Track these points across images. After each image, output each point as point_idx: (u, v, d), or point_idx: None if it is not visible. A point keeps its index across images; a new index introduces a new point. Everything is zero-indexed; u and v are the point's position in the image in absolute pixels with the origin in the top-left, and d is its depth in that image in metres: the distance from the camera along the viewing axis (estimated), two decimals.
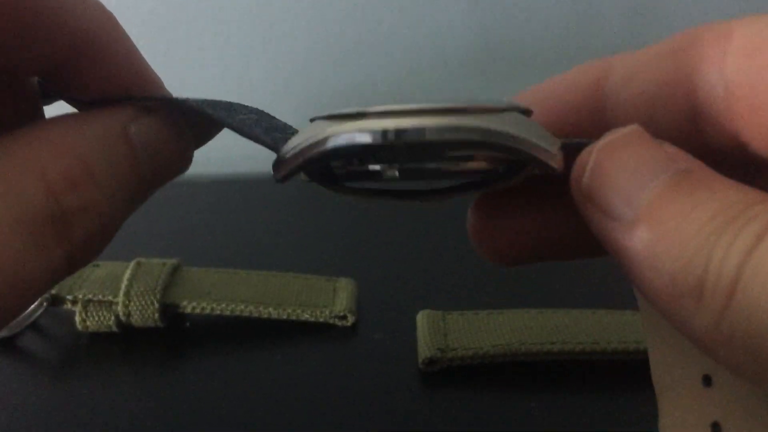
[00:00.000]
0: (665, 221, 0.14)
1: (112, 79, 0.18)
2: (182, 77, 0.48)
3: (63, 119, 0.17)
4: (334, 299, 0.34)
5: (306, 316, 0.33)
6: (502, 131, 0.15)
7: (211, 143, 0.21)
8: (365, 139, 0.15)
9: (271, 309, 0.33)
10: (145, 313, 0.32)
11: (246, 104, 0.20)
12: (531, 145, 0.16)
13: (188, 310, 0.32)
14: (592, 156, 0.16)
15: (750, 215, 0.13)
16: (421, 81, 0.48)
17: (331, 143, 0.16)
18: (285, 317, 0.33)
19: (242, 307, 0.33)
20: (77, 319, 0.32)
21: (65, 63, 0.18)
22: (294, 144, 0.17)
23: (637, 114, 0.18)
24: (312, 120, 0.17)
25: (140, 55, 0.19)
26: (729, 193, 0.14)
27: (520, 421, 0.28)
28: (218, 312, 0.33)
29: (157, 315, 0.32)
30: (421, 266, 0.37)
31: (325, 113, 0.17)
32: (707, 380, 0.16)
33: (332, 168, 0.17)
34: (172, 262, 0.34)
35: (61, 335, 0.33)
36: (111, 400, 0.29)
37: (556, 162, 0.16)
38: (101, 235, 0.17)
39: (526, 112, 0.17)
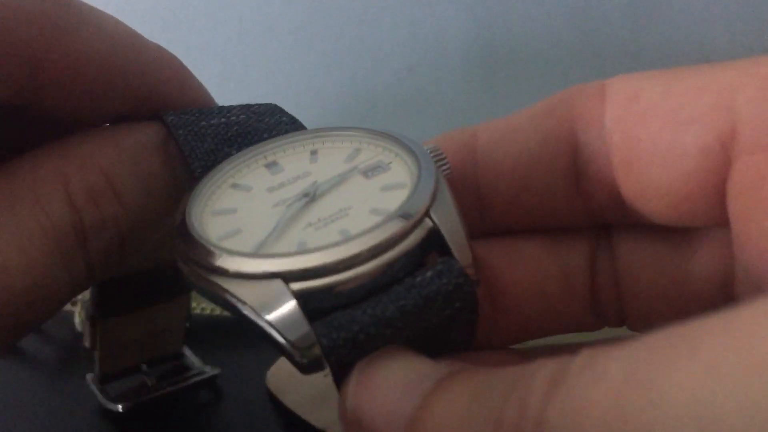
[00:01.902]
0: (438, 419, 0.13)
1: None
2: None
3: (95, 132, 0.17)
4: None
5: None
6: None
7: None
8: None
9: None
10: None
11: (252, 103, 0.20)
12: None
13: None
14: (352, 380, 0.14)
15: (528, 374, 0.12)
16: (421, 80, 0.48)
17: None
18: None
19: None
20: (77, 319, 0.32)
21: (135, 112, 0.18)
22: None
23: (512, 175, 0.18)
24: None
25: (202, 87, 0.20)
26: (500, 372, 0.13)
27: None
28: (218, 312, 0.33)
29: None
30: None
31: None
32: None
33: None
34: None
35: (61, 335, 0.33)
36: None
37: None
38: (120, 249, 0.17)
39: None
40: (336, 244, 0.15)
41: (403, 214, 0.16)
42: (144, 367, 0.29)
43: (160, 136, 0.18)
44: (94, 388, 0.28)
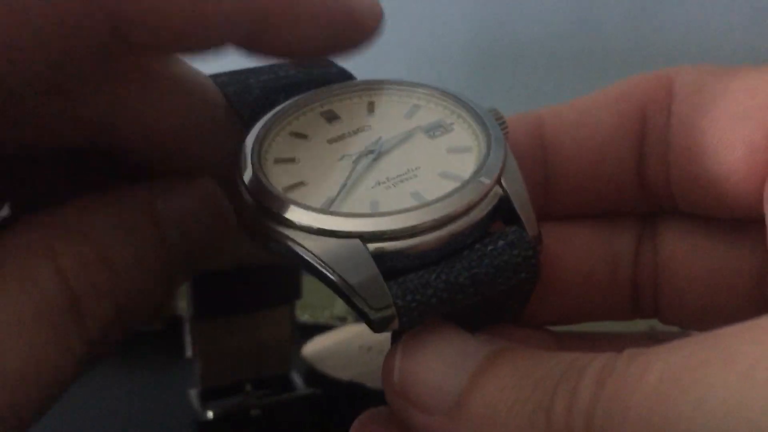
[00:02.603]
0: (488, 399, 0.14)
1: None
2: None
3: (83, 200, 0.16)
4: (334, 300, 0.34)
5: (306, 317, 0.33)
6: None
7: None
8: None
9: None
10: None
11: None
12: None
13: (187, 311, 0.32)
14: (398, 353, 0.15)
15: (578, 367, 0.13)
16: (420, 79, 0.48)
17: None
18: None
19: None
20: None
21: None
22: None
23: (583, 159, 0.18)
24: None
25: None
26: (547, 358, 0.14)
27: None
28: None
29: None
30: None
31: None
32: None
33: None
34: None
35: None
36: (109, 403, 0.29)
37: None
38: (120, 321, 0.16)
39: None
40: (413, 209, 0.15)
41: (477, 181, 0.16)
42: (248, 387, 0.28)
43: (149, 197, 0.17)
44: (194, 404, 0.27)
